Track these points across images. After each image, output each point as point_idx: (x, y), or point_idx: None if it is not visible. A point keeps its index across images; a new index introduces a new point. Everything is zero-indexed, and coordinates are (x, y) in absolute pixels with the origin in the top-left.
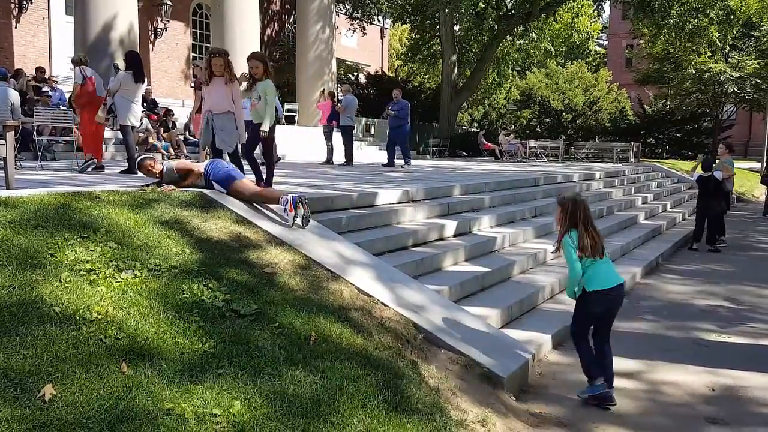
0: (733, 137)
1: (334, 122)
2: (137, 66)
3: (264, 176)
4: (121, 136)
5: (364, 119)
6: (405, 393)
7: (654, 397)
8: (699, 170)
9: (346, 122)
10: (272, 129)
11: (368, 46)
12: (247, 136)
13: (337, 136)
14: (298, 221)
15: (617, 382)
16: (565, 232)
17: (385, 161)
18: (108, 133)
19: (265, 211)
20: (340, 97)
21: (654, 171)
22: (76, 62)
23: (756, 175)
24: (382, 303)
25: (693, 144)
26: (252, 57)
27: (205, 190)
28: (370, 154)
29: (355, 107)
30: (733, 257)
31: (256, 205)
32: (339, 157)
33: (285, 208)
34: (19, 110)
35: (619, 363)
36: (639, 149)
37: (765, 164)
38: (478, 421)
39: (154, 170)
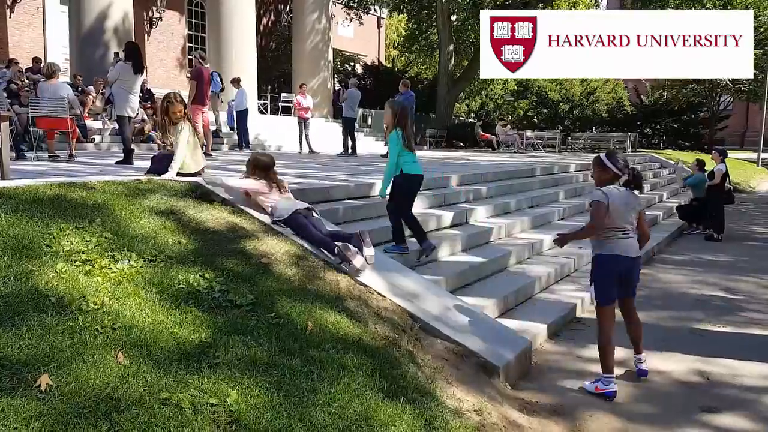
0: (730, 128)
1: (302, 113)
2: (137, 57)
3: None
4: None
5: (360, 110)
6: (401, 382)
7: (648, 386)
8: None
9: (348, 114)
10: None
11: (365, 36)
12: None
13: (333, 127)
14: None
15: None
16: (393, 129)
17: (384, 152)
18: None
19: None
20: (337, 87)
21: (651, 161)
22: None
23: (752, 165)
24: (379, 293)
25: (690, 134)
26: (174, 100)
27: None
28: (367, 144)
29: (356, 100)
30: (729, 247)
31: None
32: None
33: None
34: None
35: (615, 352)
36: (636, 140)
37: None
38: (474, 410)
39: None
